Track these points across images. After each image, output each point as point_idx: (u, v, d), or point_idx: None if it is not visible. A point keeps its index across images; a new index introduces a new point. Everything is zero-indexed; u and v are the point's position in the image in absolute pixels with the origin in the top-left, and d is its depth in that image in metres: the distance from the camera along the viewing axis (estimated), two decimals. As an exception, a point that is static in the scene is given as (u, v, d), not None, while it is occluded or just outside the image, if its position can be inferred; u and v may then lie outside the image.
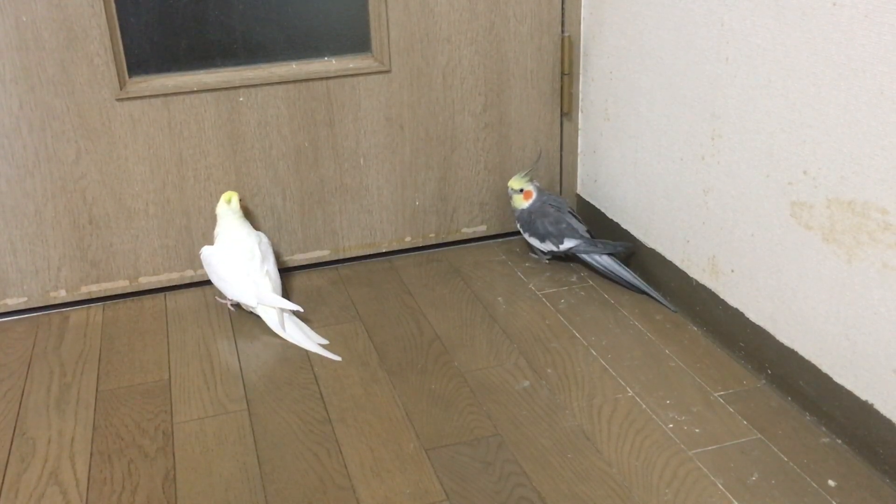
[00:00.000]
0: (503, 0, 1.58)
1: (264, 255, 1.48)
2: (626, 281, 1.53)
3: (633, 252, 1.57)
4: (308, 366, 1.34)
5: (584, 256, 1.58)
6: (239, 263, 1.45)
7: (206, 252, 1.48)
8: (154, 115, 1.48)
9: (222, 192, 1.56)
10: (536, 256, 1.66)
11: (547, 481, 1.08)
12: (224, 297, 1.52)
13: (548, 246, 1.59)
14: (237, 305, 1.51)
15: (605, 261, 1.55)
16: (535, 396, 1.24)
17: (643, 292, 1.51)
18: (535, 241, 1.62)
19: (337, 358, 1.35)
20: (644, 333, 1.39)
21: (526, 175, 1.62)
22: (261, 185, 1.58)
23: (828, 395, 1.14)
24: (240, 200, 1.51)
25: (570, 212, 1.61)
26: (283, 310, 1.43)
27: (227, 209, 1.49)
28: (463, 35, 1.58)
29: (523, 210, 1.62)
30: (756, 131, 1.20)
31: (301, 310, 1.44)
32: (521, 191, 1.62)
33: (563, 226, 1.58)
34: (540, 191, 1.63)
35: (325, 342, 1.40)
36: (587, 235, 1.59)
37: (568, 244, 1.57)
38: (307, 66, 1.53)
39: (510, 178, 1.70)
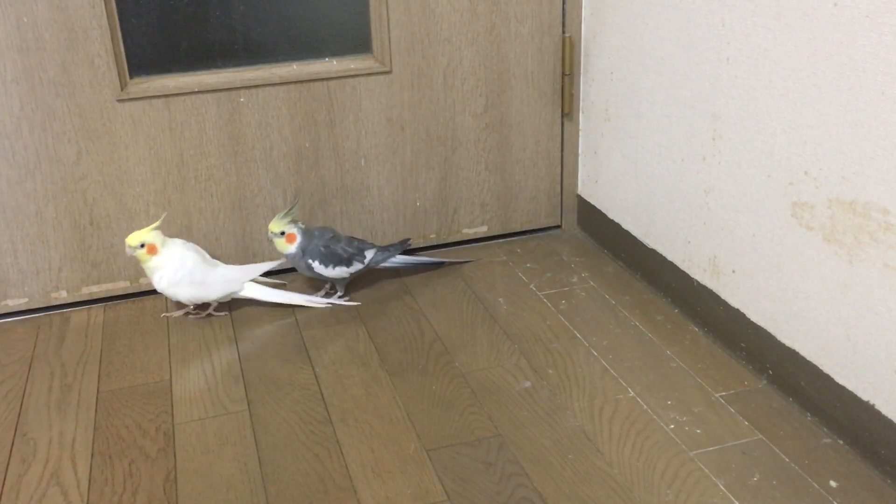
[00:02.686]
0: (504, 1, 1.58)
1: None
2: (425, 264, 1.63)
3: (410, 242, 1.64)
4: (309, 366, 1.34)
5: (384, 264, 1.57)
6: (205, 262, 1.47)
7: (170, 275, 1.43)
8: (155, 116, 1.48)
9: (223, 192, 1.56)
10: (327, 301, 1.52)
11: (548, 482, 1.08)
12: (182, 307, 1.51)
13: (355, 267, 1.51)
14: (197, 310, 1.49)
15: (401, 258, 1.59)
16: (536, 397, 1.24)
17: (441, 264, 1.64)
18: (341, 271, 1.50)
19: (355, 303, 1.51)
20: (645, 334, 1.39)
21: (285, 216, 1.47)
22: (262, 186, 1.58)
23: (829, 396, 1.14)
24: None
25: (347, 235, 1.56)
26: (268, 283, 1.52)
27: (157, 235, 1.43)
28: (464, 36, 1.58)
29: (312, 249, 1.48)
30: (757, 132, 1.20)
31: (281, 262, 1.53)
32: (283, 234, 1.47)
33: (356, 242, 1.52)
34: (306, 231, 1.49)
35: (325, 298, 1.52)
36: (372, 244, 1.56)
37: (370, 255, 1.53)
38: (308, 66, 1.53)
39: (511, 178, 1.70)
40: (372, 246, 1.54)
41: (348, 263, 1.50)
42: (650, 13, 1.40)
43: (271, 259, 1.61)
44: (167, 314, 1.50)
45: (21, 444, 1.19)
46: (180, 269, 1.43)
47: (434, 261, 1.64)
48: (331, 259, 1.49)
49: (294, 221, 1.49)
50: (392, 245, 1.58)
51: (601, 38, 1.57)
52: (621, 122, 1.55)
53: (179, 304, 1.52)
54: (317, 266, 1.48)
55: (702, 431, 1.15)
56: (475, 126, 1.65)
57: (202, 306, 1.50)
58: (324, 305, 1.50)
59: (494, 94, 1.64)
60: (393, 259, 1.58)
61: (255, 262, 1.60)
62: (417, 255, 1.66)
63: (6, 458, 1.16)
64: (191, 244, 1.48)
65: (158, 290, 1.45)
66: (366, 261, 1.52)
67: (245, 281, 1.49)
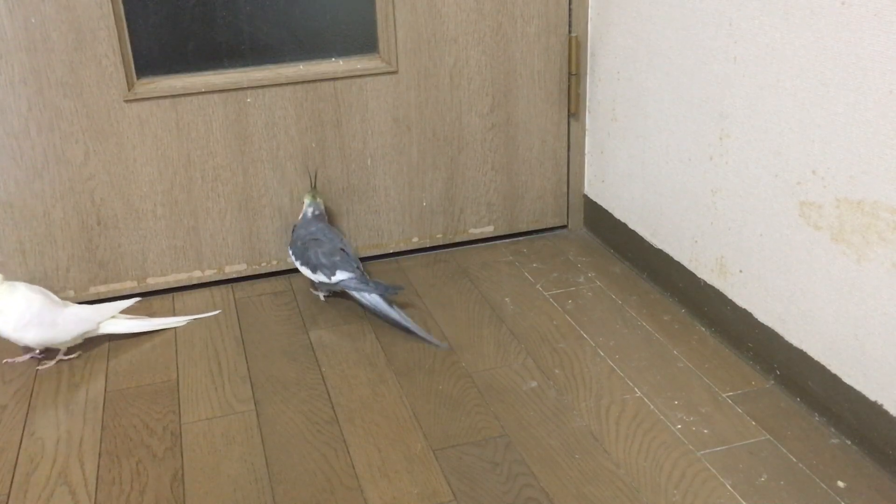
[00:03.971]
0: (510, 0, 1.58)
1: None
2: (393, 321, 1.43)
3: (400, 292, 1.51)
4: (315, 366, 1.34)
5: (354, 293, 1.47)
6: (53, 303, 1.37)
7: (15, 318, 1.33)
8: (162, 116, 1.49)
9: (230, 192, 1.56)
10: (316, 294, 1.55)
11: (554, 482, 1.07)
12: (29, 351, 1.41)
13: (319, 277, 1.47)
14: (44, 354, 1.41)
15: (374, 299, 1.44)
16: (542, 397, 1.24)
17: (411, 332, 1.41)
18: (305, 271, 1.49)
19: (208, 315, 1.49)
20: (652, 334, 1.39)
21: (311, 190, 1.54)
22: (268, 186, 1.58)
23: (837, 396, 1.14)
24: None
25: (342, 248, 1.49)
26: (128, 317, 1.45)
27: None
28: (470, 35, 1.58)
29: (295, 238, 1.52)
30: (764, 131, 1.20)
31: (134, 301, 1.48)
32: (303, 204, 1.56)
33: (337, 258, 1.46)
34: (310, 217, 1.52)
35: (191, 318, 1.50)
36: (359, 271, 1.46)
37: (340, 276, 1.44)
38: (315, 66, 1.54)
39: (518, 178, 1.70)
40: (352, 271, 1.45)
41: (314, 270, 1.48)
42: (657, 12, 1.40)
43: (277, 261, 1.62)
44: (9, 360, 1.39)
45: (29, 443, 1.20)
46: (27, 312, 1.32)
47: (406, 326, 1.42)
48: (300, 256, 1.50)
49: (315, 199, 1.54)
50: (378, 283, 1.45)
51: (608, 38, 1.57)
52: (628, 122, 1.55)
53: (26, 349, 1.41)
54: (290, 255, 1.54)
55: (709, 431, 1.15)
56: (481, 126, 1.65)
57: (50, 351, 1.40)
58: (185, 323, 1.47)
59: (501, 94, 1.64)
60: (368, 297, 1.44)
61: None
62: (398, 310, 1.43)
63: (14, 456, 1.17)
64: (35, 286, 1.38)
65: (2, 336, 1.34)
66: (333, 279, 1.45)
67: (100, 321, 1.39)
